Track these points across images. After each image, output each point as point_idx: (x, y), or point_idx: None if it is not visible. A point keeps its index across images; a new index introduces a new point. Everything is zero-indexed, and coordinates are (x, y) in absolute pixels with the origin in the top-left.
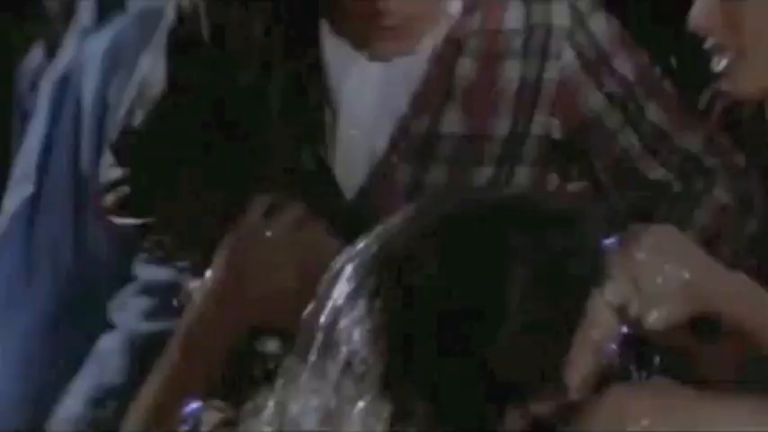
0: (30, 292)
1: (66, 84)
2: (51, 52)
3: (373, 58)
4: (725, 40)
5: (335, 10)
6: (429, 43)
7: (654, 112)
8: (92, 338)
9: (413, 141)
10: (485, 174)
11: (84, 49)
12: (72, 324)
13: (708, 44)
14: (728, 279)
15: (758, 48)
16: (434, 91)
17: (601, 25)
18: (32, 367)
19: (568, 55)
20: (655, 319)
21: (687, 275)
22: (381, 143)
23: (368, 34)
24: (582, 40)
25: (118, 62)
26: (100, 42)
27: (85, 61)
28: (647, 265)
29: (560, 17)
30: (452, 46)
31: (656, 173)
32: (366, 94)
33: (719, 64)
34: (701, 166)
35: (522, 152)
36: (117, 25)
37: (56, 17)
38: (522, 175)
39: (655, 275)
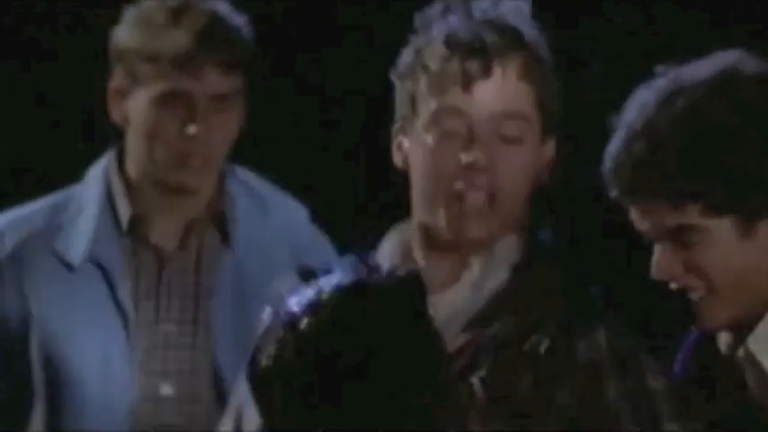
0: None
1: None
2: None
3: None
4: (691, 282)
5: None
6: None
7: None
8: None
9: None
10: None
11: None
12: None
13: (674, 286)
14: None
15: (724, 281)
16: (472, 339)
17: (636, 342)
18: None
19: (600, 337)
20: None
21: None
22: None
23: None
24: (616, 336)
25: None
26: None
27: None
28: None
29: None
30: (501, 303)
31: None
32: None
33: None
34: None
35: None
36: None
37: None
38: None
39: None
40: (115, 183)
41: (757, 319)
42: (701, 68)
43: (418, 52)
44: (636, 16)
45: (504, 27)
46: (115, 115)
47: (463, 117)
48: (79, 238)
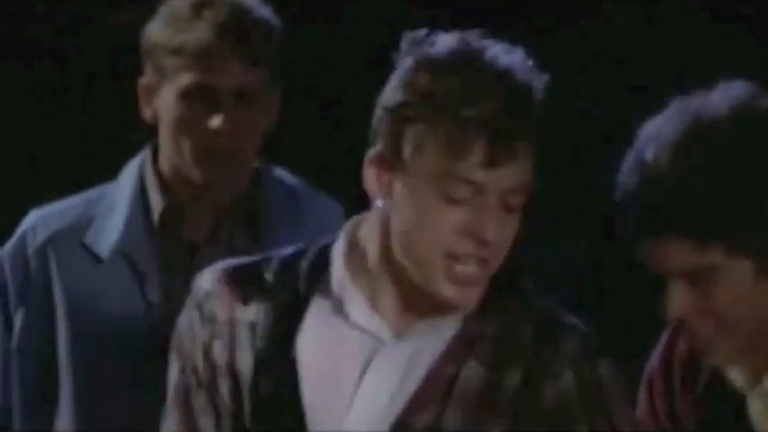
0: None
1: None
2: None
3: (400, 336)
4: (701, 324)
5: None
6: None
7: None
8: None
9: None
10: None
11: None
12: None
13: (687, 327)
14: None
15: (737, 322)
16: (438, 388)
17: (607, 371)
18: None
19: (569, 379)
20: None
21: None
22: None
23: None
24: (586, 372)
25: None
26: None
27: None
28: None
29: (569, 341)
30: (465, 345)
31: None
32: (388, 376)
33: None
34: None
35: None
36: None
37: None
38: None
39: None
40: (149, 177)
41: (763, 355)
42: (716, 104)
43: (425, 101)
44: (636, 16)
45: (525, 105)
46: (146, 112)
47: (473, 187)
48: (110, 232)
